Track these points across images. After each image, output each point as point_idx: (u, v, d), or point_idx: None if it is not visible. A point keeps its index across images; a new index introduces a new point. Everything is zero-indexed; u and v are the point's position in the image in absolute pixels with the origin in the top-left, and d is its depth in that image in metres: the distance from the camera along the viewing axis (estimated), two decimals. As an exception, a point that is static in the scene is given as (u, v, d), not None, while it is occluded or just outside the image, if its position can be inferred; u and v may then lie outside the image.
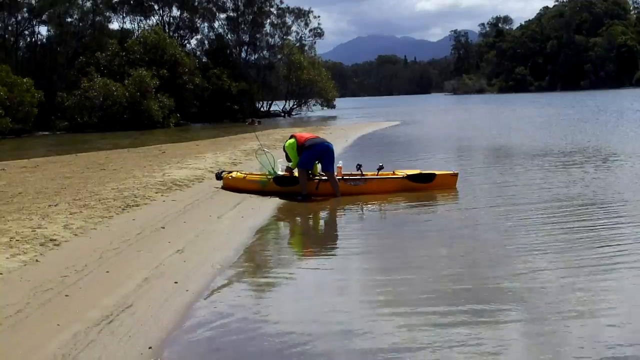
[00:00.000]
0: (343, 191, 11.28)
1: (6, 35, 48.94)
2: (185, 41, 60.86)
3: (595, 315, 5.05)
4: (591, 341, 4.52)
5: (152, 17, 59.42)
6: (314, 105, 66.04)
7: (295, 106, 65.87)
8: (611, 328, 4.79)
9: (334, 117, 54.95)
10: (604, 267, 6.35)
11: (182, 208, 9.71)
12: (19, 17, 49.67)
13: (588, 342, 4.51)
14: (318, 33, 66.95)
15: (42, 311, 5.10)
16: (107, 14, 56.15)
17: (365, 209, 10.52)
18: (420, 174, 11.71)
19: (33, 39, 51.55)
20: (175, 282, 6.13)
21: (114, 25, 60.93)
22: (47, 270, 6.09)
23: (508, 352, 4.42)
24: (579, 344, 4.48)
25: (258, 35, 63.95)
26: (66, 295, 5.48)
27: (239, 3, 62.75)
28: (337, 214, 10.34)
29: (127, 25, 59.16)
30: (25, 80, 38.39)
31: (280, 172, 11.76)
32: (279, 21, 64.99)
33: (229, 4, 62.84)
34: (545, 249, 7.14)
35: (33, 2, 49.64)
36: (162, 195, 10.58)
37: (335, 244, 8.30)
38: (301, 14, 65.78)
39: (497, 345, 4.51)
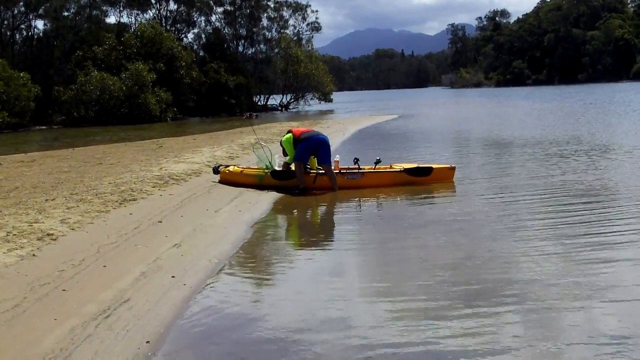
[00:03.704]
0: (340, 185, 11.27)
1: (2, 29, 48.86)
2: (182, 35, 60.87)
3: (593, 307, 5.05)
4: (589, 332, 4.54)
5: (149, 11, 59.57)
6: (311, 99, 65.98)
7: (292, 100, 65.89)
8: (609, 319, 4.79)
9: (331, 111, 54.91)
10: (603, 257, 6.34)
11: (179, 202, 9.70)
12: (16, 11, 49.68)
13: (586, 333, 4.52)
14: (315, 27, 67.04)
15: (39, 306, 5.09)
16: (104, 7, 56.21)
17: (362, 202, 10.51)
18: (417, 168, 11.70)
19: (29, 33, 51.60)
20: (173, 276, 6.13)
21: (111, 19, 61.14)
22: (44, 264, 6.09)
23: (505, 343, 4.42)
24: (578, 335, 4.49)
25: (255, 29, 63.99)
26: (63, 290, 5.48)
27: (236, -4, 62.72)
28: (335, 207, 10.33)
29: (124, 19, 59.54)
30: (22, 74, 38.37)
31: (277, 168, 11.76)
32: (276, 15, 65.18)
33: (226, -2, 62.81)
34: (543, 238, 7.15)
35: (29, -5, 49.57)
36: (159, 190, 10.58)
37: (333, 238, 8.28)
38: (298, 8, 65.87)
39: (494, 336, 4.52)
